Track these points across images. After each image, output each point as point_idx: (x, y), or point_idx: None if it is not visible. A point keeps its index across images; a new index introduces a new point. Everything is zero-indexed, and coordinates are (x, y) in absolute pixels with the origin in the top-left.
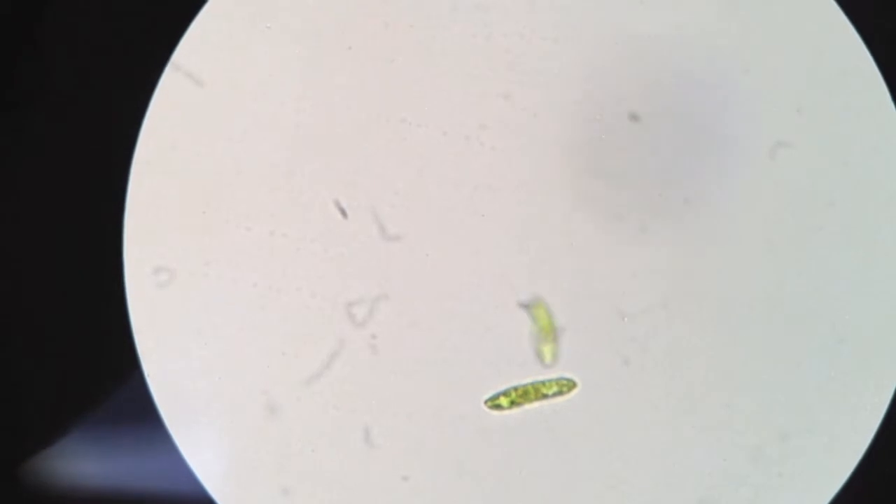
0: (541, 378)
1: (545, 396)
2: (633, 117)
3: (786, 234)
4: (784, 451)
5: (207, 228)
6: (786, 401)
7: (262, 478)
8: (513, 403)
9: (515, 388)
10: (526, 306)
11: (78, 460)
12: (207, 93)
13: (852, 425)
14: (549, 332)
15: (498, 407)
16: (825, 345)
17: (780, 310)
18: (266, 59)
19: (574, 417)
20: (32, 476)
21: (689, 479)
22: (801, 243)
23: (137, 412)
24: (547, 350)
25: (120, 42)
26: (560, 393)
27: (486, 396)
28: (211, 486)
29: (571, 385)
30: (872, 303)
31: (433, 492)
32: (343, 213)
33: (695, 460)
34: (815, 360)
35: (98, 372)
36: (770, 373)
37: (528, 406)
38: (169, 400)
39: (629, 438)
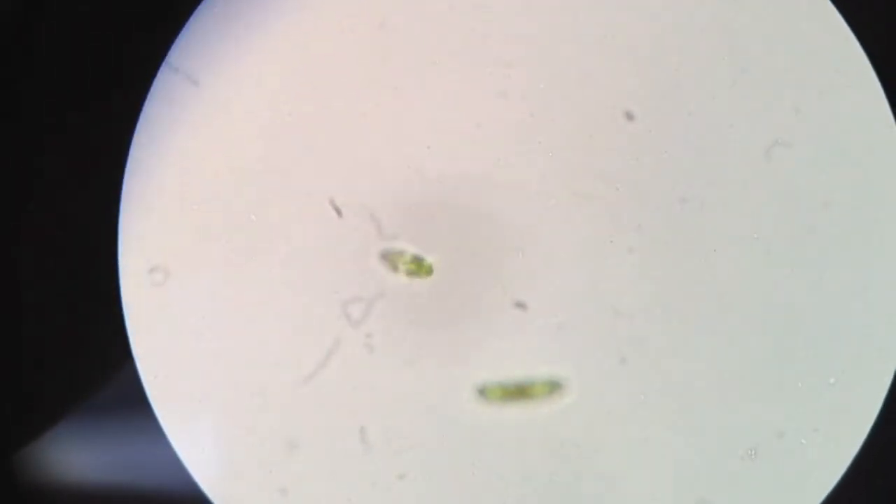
0: (532, 376)
1: (534, 396)
2: (629, 116)
3: (782, 234)
4: (780, 450)
5: (202, 228)
6: (782, 399)
7: (260, 478)
8: (501, 397)
9: (504, 384)
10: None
11: (71, 457)
12: (202, 93)
13: (848, 423)
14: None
15: (486, 397)
16: (821, 344)
17: (776, 308)
18: (261, 60)
19: (570, 416)
20: (26, 469)
21: (686, 478)
22: (796, 242)
23: (132, 410)
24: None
25: (115, 42)
26: (550, 393)
27: (477, 386)
28: (205, 486)
29: (559, 386)
30: (868, 302)
31: (429, 490)
32: (338, 212)
33: (692, 459)
34: (811, 359)
35: (92, 370)
36: (766, 371)
37: (516, 403)
38: (164, 399)
39: (626, 437)
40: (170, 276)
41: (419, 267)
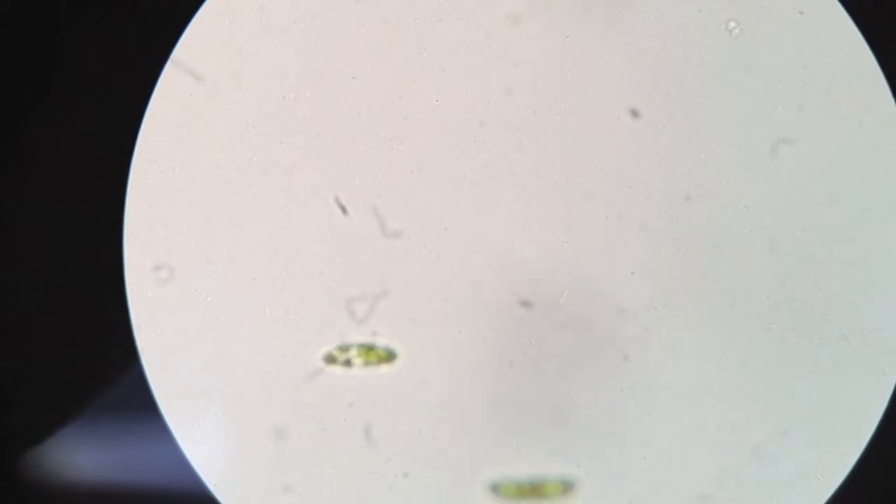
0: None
1: (548, 495)
2: (634, 114)
3: (786, 231)
4: (784, 448)
5: (207, 226)
6: (786, 397)
7: (264, 475)
8: (516, 494)
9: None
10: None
11: (78, 457)
12: (208, 89)
13: (852, 422)
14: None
15: (500, 494)
16: (825, 341)
17: (781, 306)
18: (266, 55)
19: (572, 413)
20: (31, 471)
21: (688, 476)
22: (801, 240)
23: (138, 409)
24: None
25: (120, 39)
26: (563, 493)
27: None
28: (212, 484)
29: (572, 485)
30: (873, 299)
31: (434, 489)
32: (343, 209)
33: (694, 456)
34: (815, 357)
35: (98, 369)
36: (770, 369)
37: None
38: (169, 397)
39: (627, 434)
40: (175, 273)
41: (369, 354)
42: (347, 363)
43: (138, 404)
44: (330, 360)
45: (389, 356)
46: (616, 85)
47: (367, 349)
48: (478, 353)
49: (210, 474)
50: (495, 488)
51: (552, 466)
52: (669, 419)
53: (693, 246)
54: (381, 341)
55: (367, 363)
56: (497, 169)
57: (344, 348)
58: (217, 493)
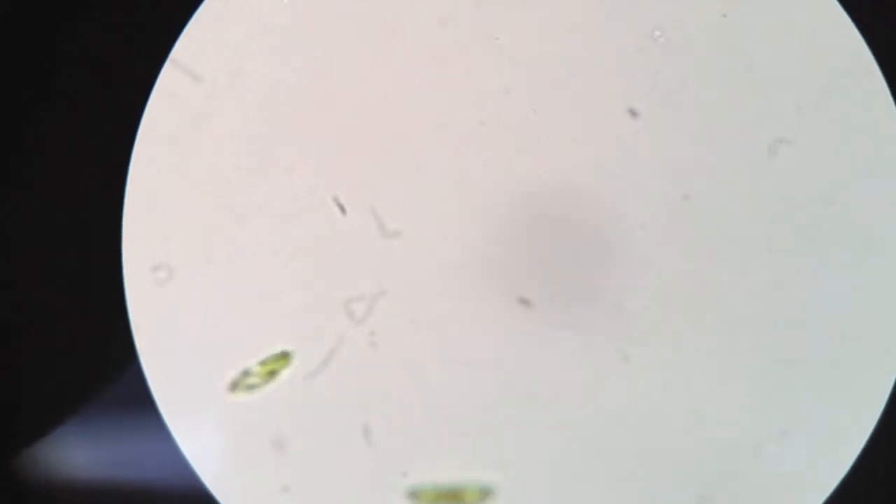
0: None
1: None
2: (633, 114)
3: (785, 232)
4: (783, 448)
5: (206, 225)
6: (785, 398)
7: (263, 475)
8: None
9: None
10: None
11: (76, 456)
12: (206, 89)
13: (851, 422)
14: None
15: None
16: (824, 342)
17: (779, 307)
18: (265, 55)
19: (572, 413)
20: (29, 469)
21: (688, 476)
22: (800, 240)
23: (136, 408)
24: None
25: (119, 39)
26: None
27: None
28: (210, 483)
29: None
30: (871, 300)
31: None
32: (342, 209)
33: (694, 457)
34: (813, 357)
35: (97, 369)
36: (769, 369)
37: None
38: (168, 397)
39: (627, 434)
40: (173, 273)
41: (267, 370)
42: (251, 387)
43: (137, 404)
44: (233, 388)
45: (285, 358)
46: (614, 84)
47: (263, 366)
48: (476, 352)
49: (208, 473)
50: (415, 495)
51: (551, 466)
52: (669, 419)
53: (692, 246)
54: (275, 348)
55: (269, 376)
56: (496, 169)
57: (245, 372)
58: (216, 492)
